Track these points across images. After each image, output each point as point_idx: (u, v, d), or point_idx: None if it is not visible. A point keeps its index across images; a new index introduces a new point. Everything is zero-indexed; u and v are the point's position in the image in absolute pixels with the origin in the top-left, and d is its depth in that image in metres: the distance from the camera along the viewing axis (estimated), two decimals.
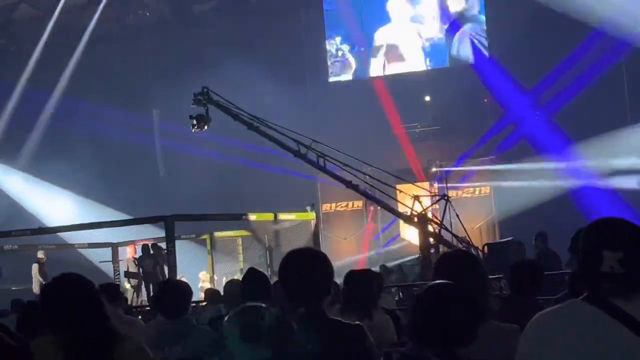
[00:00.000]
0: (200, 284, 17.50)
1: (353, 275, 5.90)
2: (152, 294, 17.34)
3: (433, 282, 3.24)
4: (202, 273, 18.03)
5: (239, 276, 12.95)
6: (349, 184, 15.90)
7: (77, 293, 3.48)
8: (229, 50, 23.24)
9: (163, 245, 15.73)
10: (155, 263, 17.80)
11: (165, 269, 17.18)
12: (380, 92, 24.22)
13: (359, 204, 23.58)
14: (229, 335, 3.23)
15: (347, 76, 25.49)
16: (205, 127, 15.96)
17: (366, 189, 16.89)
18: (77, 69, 25.33)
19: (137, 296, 17.71)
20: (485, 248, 14.00)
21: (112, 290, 6.99)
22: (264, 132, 15.75)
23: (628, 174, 20.54)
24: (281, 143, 15.74)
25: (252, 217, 17.07)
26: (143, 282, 17.82)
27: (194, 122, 15.90)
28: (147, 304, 15.74)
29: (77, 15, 25.74)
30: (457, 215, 15.20)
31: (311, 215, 17.50)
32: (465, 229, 15.13)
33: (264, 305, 3.27)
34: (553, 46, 21.67)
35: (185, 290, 5.75)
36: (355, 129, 22.35)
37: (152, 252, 17.85)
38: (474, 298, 3.10)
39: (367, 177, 16.76)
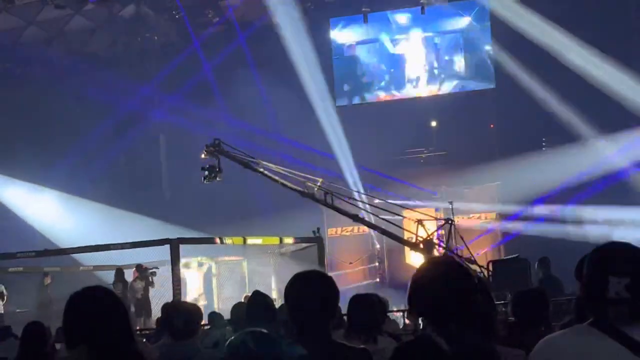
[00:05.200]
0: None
1: (357, 300, 5.86)
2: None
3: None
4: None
5: (244, 299, 12.91)
6: (355, 218, 15.88)
7: (111, 302, 3.21)
8: (236, 72, 23.30)
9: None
10: (123, 287, 17.64)
11: (151, 291, 16.93)
12: (386, 116, 24.22)
13: (364, 228, 23.42)
14: None
15: (354, 100, 25.47)
16: (218, 178, 15.73)
17: (368, 218, 16.88)
18: (82, 92, 25.31)
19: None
20: (490, 265, 13.86)
21: None
22: (271, 177, 15.67)
23: None
24: (289, 186, 15.67)
25: (257, 240, 17.06)
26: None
27: (206, 173, 15.55)
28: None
29: (84, 38, 25.89)
30: (462, 239, 15.11)
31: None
32: (471, 253, 15.02)
33: (265, 330, 3.22)
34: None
35: (194, 312, 5.73)
36: (361, 152, 22.31)
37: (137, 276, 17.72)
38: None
39: (371, 205, 16.76)
